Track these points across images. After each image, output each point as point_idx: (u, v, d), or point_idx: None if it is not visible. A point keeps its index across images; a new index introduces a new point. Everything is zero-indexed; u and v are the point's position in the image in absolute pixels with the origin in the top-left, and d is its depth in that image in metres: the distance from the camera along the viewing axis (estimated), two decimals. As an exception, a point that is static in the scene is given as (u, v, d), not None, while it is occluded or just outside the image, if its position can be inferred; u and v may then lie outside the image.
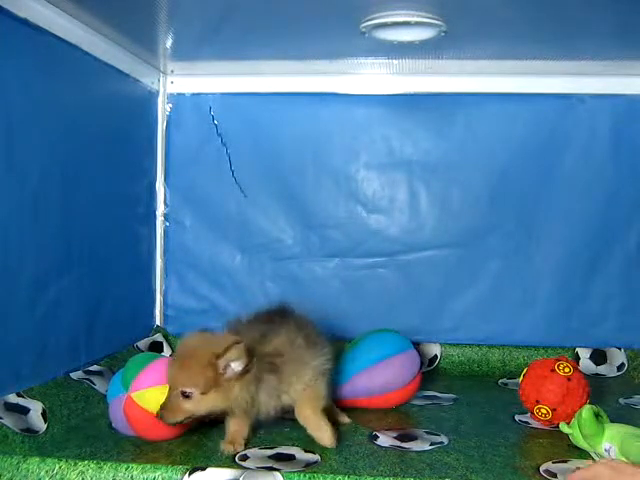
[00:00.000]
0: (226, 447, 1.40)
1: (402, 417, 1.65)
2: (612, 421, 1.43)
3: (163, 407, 1.34)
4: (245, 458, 1.37)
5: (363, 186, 2.27)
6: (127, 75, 2.03)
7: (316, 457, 1.37)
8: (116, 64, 1.95)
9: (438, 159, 2.24)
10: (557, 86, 2.19)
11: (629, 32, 1.76)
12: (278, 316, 1.54)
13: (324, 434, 1.42)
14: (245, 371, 1.35)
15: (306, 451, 1.41)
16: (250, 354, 1.36)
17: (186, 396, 1.33)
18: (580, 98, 2.19)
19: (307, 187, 2.27)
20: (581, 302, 2.19)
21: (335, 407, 1.64)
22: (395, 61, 2.10)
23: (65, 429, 1.51)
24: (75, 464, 1.16)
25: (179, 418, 1.35)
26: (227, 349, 1.33)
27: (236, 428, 1.45)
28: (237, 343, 1.34)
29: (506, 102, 2.22)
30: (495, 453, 1.42)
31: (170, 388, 1.36)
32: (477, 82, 2.21)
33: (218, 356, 1.33)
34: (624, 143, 2.17)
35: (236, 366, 1.35)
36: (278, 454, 1.40)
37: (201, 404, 1.34)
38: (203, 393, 1.33)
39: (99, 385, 1.71)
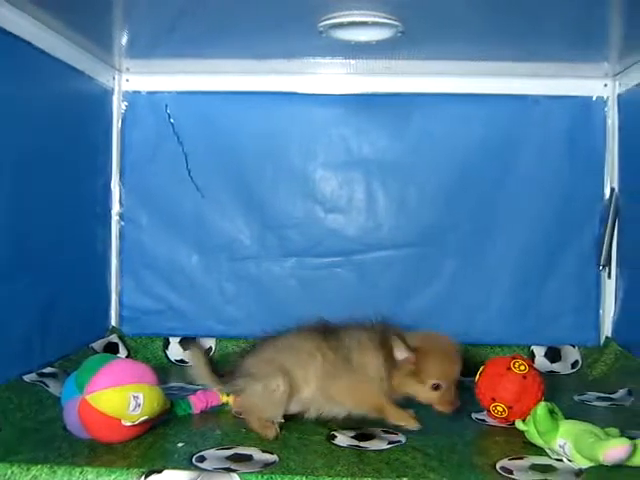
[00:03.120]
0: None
1: (360, 417, 1.64)
2: (567, 418, 1.45)
3: (457, 399, 1.54)
4: (202, 459, 1.35)
5: (321, 186, 2.27)
6: (81, 73, 2.00)
7: (274, 457, 1.37)
8: (70, 61, 1.92)
9: (395, 159, 2.25)
10: (513, 87, 2.22)
11: (584, 35, 1.78)
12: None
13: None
14: None
15: (264, 451, 1.40)
16: None
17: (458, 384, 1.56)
18: (535, 99, 2.22)
19: (265, 187, 2.26)
20: (536, 301, 2.22)
21: None
22: (352, 61, 2.10)
23: (18, 433, 1.47)
24: (28, 469, 1.15)
25: None
26: None
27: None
28: None
29: (463, 103, 2.24)
30: (452, 451, 1.43)
31: (452, 382, 1.55)
32: (434, 82, 2.22)
33: None
34: (578, 144, 2.20)
35: None
36: (236, 455, 1.39)
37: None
38: None
39: (53, 387, 1.68)
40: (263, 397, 1.55)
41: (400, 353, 1.56)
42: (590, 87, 2.20)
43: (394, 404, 1.56)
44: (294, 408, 1.59)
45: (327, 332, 1.65)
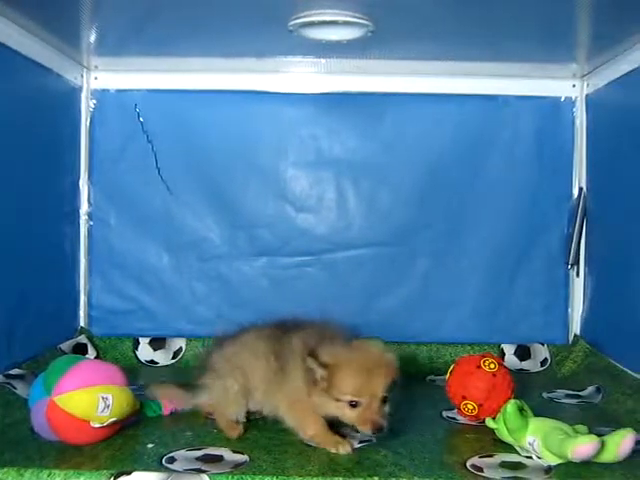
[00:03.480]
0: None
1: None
2: (536, 415, 1.46)
3: (380, 417, 1.39)
4: (172, 460, 1.34)
5: (291, 185, 2.26)
6: (49, 70, 1.98)
7: (245, 458, 1.36)
8: (37, 58, 1.90)
9: (366, 158, 2.25)
10: (483, 87, 2.23)
11: (553, 35, 1.80)
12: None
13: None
14: None
15: (234, 452, 1.39)
16: None
17: (384, 401, 1.41)
18: (505, 99, 2.23)
19: (235, 186, 2.25)
20: (506, 299, 2.23)
21: None
22: (323, 60, 2.10)
23: (-16, 435, 1.46)
24: (-6, 471, 1.13)
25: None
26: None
27: None
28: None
29: (433, 102, 2.24)
30: (423, 449, 1.43)
31: (377, 399, 1.40)
32: (405, 82, 2.23)
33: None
34: (547, 144, 2.22)
35: None
36: (206, 455, 1.39)
37: (389, 406, 1.43)
38: None
39: (20, 389, 1.66)
40: (222, 395, 1.56)
41: (314, 370, 1.43)
42: (559, 88, 2.22)
43: (324, 426, 1.46)
44: (253, 407, 1.59)
45: (285, 332, 1.59)
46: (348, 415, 1.40)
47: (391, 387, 1.42)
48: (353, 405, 1.39)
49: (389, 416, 1.40)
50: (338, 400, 1.40)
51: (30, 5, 1.64)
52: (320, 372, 1.41)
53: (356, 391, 1.39)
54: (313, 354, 1.42)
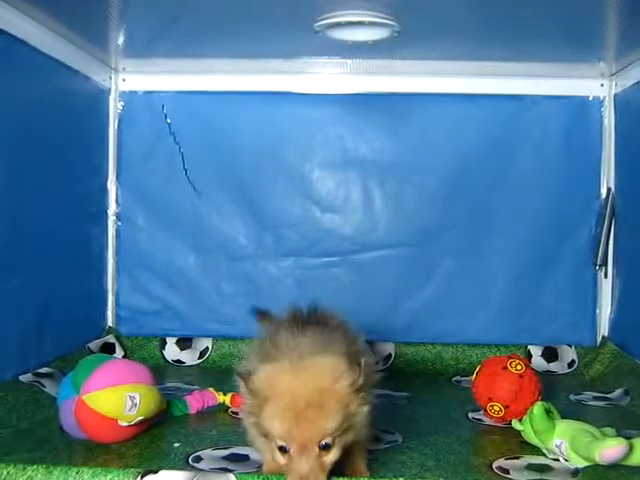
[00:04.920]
0: None
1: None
2: (563, 417, 1.45)
3: (311, 471, 1.06)
4: (199, 459, 1.35)
5: (317, 185, 2.27)
6: (77, 72, 2.00)
7: (270, 457, 1.36)
8: (66, 61, 1.92)
9: (392, 159, 2.25)
10: (510, 87, 2.22)
11: (580, 35, 1.79)
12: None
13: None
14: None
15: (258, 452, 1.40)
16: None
17: (326, 448, 1.09)
18: (532, 99, 2.22)
19: (261, 186, 2.26)
20: (533, 300, 2.22)
21: None
22: (349, 61, 2.10)
23: (14, 433, 1.47)
24: (24, 469, 1.14)
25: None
26: (357, 373, 1.12)
27: None
28: (357, 361, 1.13)
29: (460, 103, 2.24)
30: (449, 451, 1.43)
31: (304, 448, 1.07)
32: (431, 82, 2.23)
33: (354, 385, 1.12)
34: (575, 144, 2.21)
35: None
36: (232, 454, 1.39)
37: (340, 448, 1.12)
38: (341, 435, 1.11)
39: (49, 388, 1.68)
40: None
41: (242, 393, 1.15)
42: (587, 87, 2.21)
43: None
44: None
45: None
46: (280, 461, 1.11)
47: (344, 425, 1.10)
48: (283, 450, 1.09)
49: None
50: (267, 439, 1.13)
51: (59, 8, 1.66)
52: (248, 399, 1.14)
53: (282, 435, 1.08)
54: (243, 376, 1.13)
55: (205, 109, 2.26)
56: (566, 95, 2.21)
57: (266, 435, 1.12)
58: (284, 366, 1.12)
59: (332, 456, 1.10)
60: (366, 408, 1.15)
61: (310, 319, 1.35)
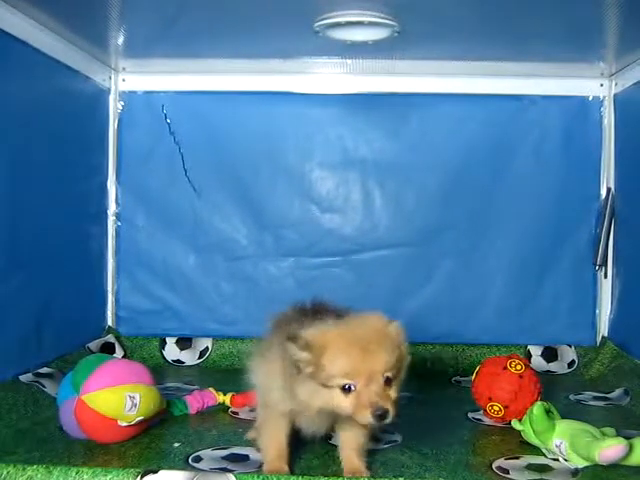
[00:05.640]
0: None
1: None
2: (563, 417, 1.45)
3: (385, 401, 1.13)
4: (199, 459, 1.35)
5: (317, 185, 2.27)
6: (77, 72, 2.00)
7: (270, 457, 1.36)
8: (66, 61, 1.92)
9: (392, 159, 2.25)
10: (509, 87, 2.22)
11: (580, 35, 1.79)
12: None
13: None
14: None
15: (260, 451, 1.39)
16: None
17: (388, 383, 1.16)
18: (532, 99, 2.22)
19: (261, 186, 2.26)
20: (533, 300, 2.22)
21: None
22: (349, 61, 2.10)
23: (14, 433, 1.47)
24: (24, 469, 1.14)
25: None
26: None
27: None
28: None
29: (459, 103, 2.24)
30: (448, 451, 1.43)
31: (375, 379, 1.15)
32: (431, 82, 2.23)
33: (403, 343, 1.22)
34: (575, 144, 2.21)
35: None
36: (232, 454, 1.39)
37: (397, 390, 1.18)
38: (395, 377, 1.18)
39: (49, 388, 1.68)
40: None
41: (295, 354, 1.17)
42: (586, 87, 2.21)
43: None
44: None
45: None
46: (342, 404, 1.15)
47: (398, 365, 1.19)
48: (347, 390, 1.15)
49: (399, 403, 1.19)
50: (327, 386, 1.16)
51: (59, 8, 1.66)
52: (303, 355, 1.16)
53: (348, 371, 1.14)
54: (293, 337, 1.17)
55: (205, 109, 2.26)
56: (566, 95, 2.21)
57: (325, 384, 1.15)
58: (330, 324, 1.21)
59: (394, 392, 1.17)
60: (409, 358, 1.23)
61: (316, 311, 1.37)
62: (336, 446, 1.42)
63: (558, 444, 1.38)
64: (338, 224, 2.27)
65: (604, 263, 2.19)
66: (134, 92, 2.27)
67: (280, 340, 1.24)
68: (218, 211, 2.27)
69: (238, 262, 2.28)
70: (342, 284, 2.25)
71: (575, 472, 1.31)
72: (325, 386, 1.16)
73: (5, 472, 1.14)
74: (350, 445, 1.30)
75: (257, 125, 2.26)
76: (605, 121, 2.20)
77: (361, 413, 1.13)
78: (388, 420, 1.14)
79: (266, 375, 1.30)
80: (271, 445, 1.28)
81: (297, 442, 1.42)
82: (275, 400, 1.26)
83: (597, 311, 2.22)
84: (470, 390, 1.69)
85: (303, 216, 2.27)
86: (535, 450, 1.43)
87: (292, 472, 1.27)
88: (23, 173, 1.69)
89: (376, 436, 1.45)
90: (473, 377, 1.68)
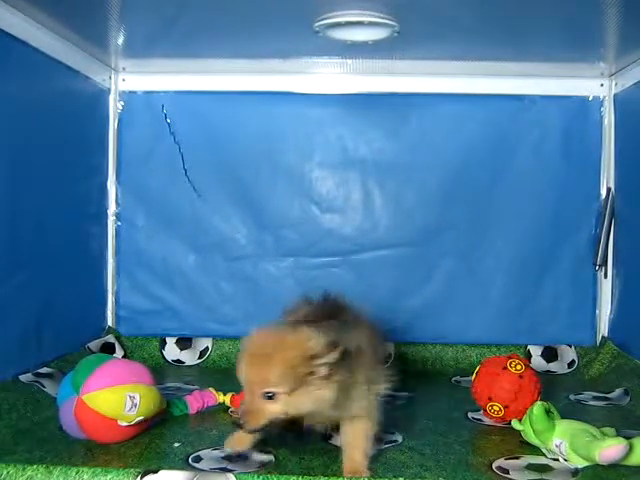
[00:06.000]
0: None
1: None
2: (563, 417, 1.45)
3: (243, 412, 1.21)
4: (199, 459, 1.35)
5: (317, 185, 2.27)
6: (77, 72, 2.00)
7: (270, 457, 1.37)
8: (66, 61, 1.92)
9: (392, 159, 2.25)
10: (509, 87, 2.22)
11: (580, 35, 1.79)
12: (340, 311, 1.45)
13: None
14: (332, 371, 1.21)
15: (260, 451, 1.40)
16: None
17: (269, 397, 1.20)
18: (531, 99, 2.22)
19: (261, 186, 2.26)
20: (532, 300, 2.22)
21: None
22: (349, 61, 2.10)
23: (14, 433, 1.47)
24: (24, 469, 1.14)
25: (262, 423, 1.21)
26: (326, 350, 1.19)
27: None
28: (333, 343, 1.20)
29: (459, 102, 2.24)
30: (448, 451, 1.43)
31: (248, 390, 1.22)
32: (431, 82, 2.23)
33: (315, 356, 1.19)
34: (575, 144, 2.20)
35: (327, 366, 1.20)
36: (232, 454, 1.39)
37: (287, 406, 1.20)
38: (289, 394, 1.20)
39: (49, 388, 1.68)
40: None
41: None
42: (586, 87, 2.21)
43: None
44: None
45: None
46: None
47: (292, 382, 1.19)
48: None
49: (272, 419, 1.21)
50: None
51: (59, 8, 1.66)
52: None
53: (240, 377, 1.24)
54: None
55: (205, 109, 2.26)
56: (566, 95, 2.21)
57: None
58: (269, 329, 1.27)
59: (273, 408, 1.19)
60: (329, 388, 1.21)
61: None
62: (336, 446, 1.43)
63: (558, 444, 1.38)
64: (338, 224, 2.27)
65: (604, 263, 2.19)
66: (134, 92, 2.26)
67: None
68: (218, 211, 2.27)
69: (238, 262, 2.28)
70: (342, 284, 2.25)
71: (575, 472, 1.31)
72: None
73: (5, 472, 1.14)
74: (352, 444, 1.31)
75: (257, 125, 2.26)
76: (605, 121, 2.20)
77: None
78: (246, 430, 1.24)
79: None
80: None
81: (297, 442, 1.43)
82: None
83: (597, 311, 2.22)
84: (470, 390, 1.69)
85: (303, 216, 2.27)
86: (535, 450, 1.43)
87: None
88: (23, 173, 1.69)
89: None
90: (473, 377, 1.68)
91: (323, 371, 1.20)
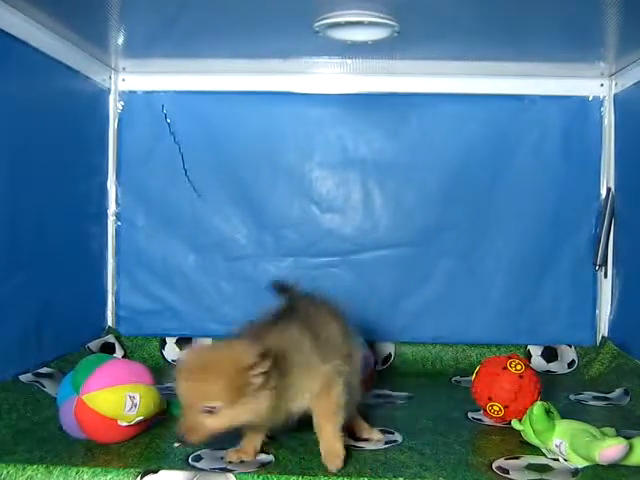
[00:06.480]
0: (230, 456, 1.35)
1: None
2: (563, 417, 1.45)
3: (184, 428, 1.22)
4: (199, 459, 1.35)
5: (317, 185, 2.27)
6: (77, 72, 2.00)
7: (270, 457, 1.37)
8: (66, 61, 1.92)
9: (392, 159, 2.25)
10: (509, 87, 2.22)
11: (580, 35, 1.79)
12: (289, 309, 1.50)
13: (334, 458, 1.29)
14: (267, 379, 1.24)
15: (260, 451, 1.40)
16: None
17: (209, 411, 1.21)
18: (531, 99, 2.22)
19: (261, 186, 2.26)
20: (532, 300, 2.22)
21: (362, 421, 1.54)
22: (349, 61, 2.10)
23: (14, 433, 1.47)
24: (24, 469, 1.14)
25: (204, 437, 1.23)
26: (259, 360, 1.22)
27: (249, 439, 1.38)
28: (264, 353, 1.23)
29: (459, 102, 2.24)
30: (448, 451, 1.43)
31: (187, 405, 1.23)
32: (431, 82, 2.23)
33: (249, 367, 1.21)
34: (575, 144, 2.21)
35: (262, 375, 1.24)
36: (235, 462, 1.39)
37: (227, 419, 1.23)
38: (228, 407, 1.22)
39: (49, 388, 1.68)
40: None
41: None
42: (586, 87, 2.21)
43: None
44: None
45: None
46: None
47: (224, 394, 1.21)
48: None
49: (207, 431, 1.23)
50: None
51: (59, 8, 1.66)
52: None
53: (177, 391, 1.26)
54: None
55: (205, 109, 2.26)
56: (566, 95, 2.21)
57: None
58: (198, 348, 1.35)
59: (214, 422, 1.22)
60: (266, 396, 1.25)
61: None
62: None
63: (558, 444, 1.38)
64: (338, 224, 2.27)
65: (604, 263, 2.19)
66: (134, 92, 2.27)
67: None
68: (218, 211, 2.27)
69: (238, 262, 2.28)
70: (342, 284, 2.25)
71: (575, 472, 1.31)
72: None
73: (5, 472, 1.14)
74: (320, 425, 1.33)
75: (257, 125, 2.26)
76: (605, 121, 2.20)
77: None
78: (187, 445, 1.31)
79: None
80: None
81: (295, 443, 1.43)
82: None
83: (597, 311, 2.22)
84: (470, 390, 1.69)
85: (303, 216, 2.27)
86: (535, 450, 1.43)
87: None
88: (23, 173, 1.69)
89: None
90: (473, 377, 1.68)
91: (259, 380, 1.23)
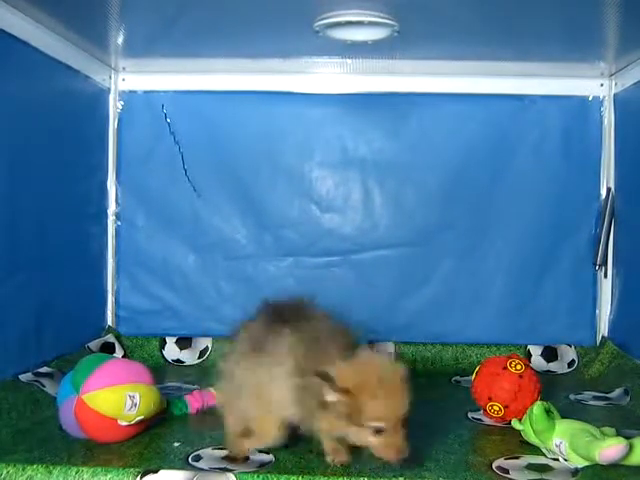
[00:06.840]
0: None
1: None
2: (563, 417, 1.45)
3: (404, 443, 1.23)
4: (198, 459, 1.35)
5: (317, 185, 2.27)
6: (77, 72, 2.00)
7: (270, 457, 1.36)
8: (66, 60, 1.92)
9: (392, 158, 2.25)
10: (509, 87, 2.22)
11: (580, 35, 1.79)
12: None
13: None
14: None
15: (260, 451, 1.40)
16: None
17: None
18: (532, 99, 2.22)
19: (261, 186, 2.26)
20: (532, 300, 2.22)
21: None
22: (349, 60, 2.10)
23: (13, 433, 1.47)
24: (24, 468, 1.14)
25: None
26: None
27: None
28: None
29: (459, 102, 2.24)
30: (448, 450, 1.43)
31: (397, 421, 1.23)
32: (430, 82, 2.23)
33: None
34: (575, 143, 2.21)
35: None
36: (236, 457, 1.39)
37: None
38: None
39: (49, 387, 1.68)
40: None
41: (330, 396, 1.23)
42: (586, 87, 2.20)
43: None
44: None
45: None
46: (371, 442, 1.24)
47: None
48: (378, 432, 1.22)
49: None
50: (359, 425, 1.23)
51: (59, 8, 1.66)
52: (338, 398, 1.23)
53: (382, 416, 1.22)
54: (324, 375, 1.23)
55: (205, 109, 2.26)
56: (566, 95, 2.21)
57: (359, 424, 1.22)
58: (347, 359, 1.27)
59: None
60: None
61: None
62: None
63: (558, 444, 1.38)
64: (338, 224, 2.27)
65: (604, 263, 2.19)
66: (134, 92, 2.26)
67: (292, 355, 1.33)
68: (218, 211, 2.27)
69: (238, 262, 2.28)
70: (342, 284, 2.25)
71: (575, 472, 1.31)
72: (358, 426, 1.23)
73: (5, 472, 1.14)
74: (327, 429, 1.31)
75: (257, 125, 2.26)
76: (605, 121, 2.20)
77: (388, 454, 1.23)
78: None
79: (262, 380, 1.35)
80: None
81: (297, 442, 1.43)
82: (275, 406, 1.33)
83: (597, 311, 2.22)
84: (470, 390, 1.69)
85: (303, 216, 2.27)
86: (535, 450, 1.43)
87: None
88: (23, 173, 1.69)
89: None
90: (473, 377, 1.68)
91: None
